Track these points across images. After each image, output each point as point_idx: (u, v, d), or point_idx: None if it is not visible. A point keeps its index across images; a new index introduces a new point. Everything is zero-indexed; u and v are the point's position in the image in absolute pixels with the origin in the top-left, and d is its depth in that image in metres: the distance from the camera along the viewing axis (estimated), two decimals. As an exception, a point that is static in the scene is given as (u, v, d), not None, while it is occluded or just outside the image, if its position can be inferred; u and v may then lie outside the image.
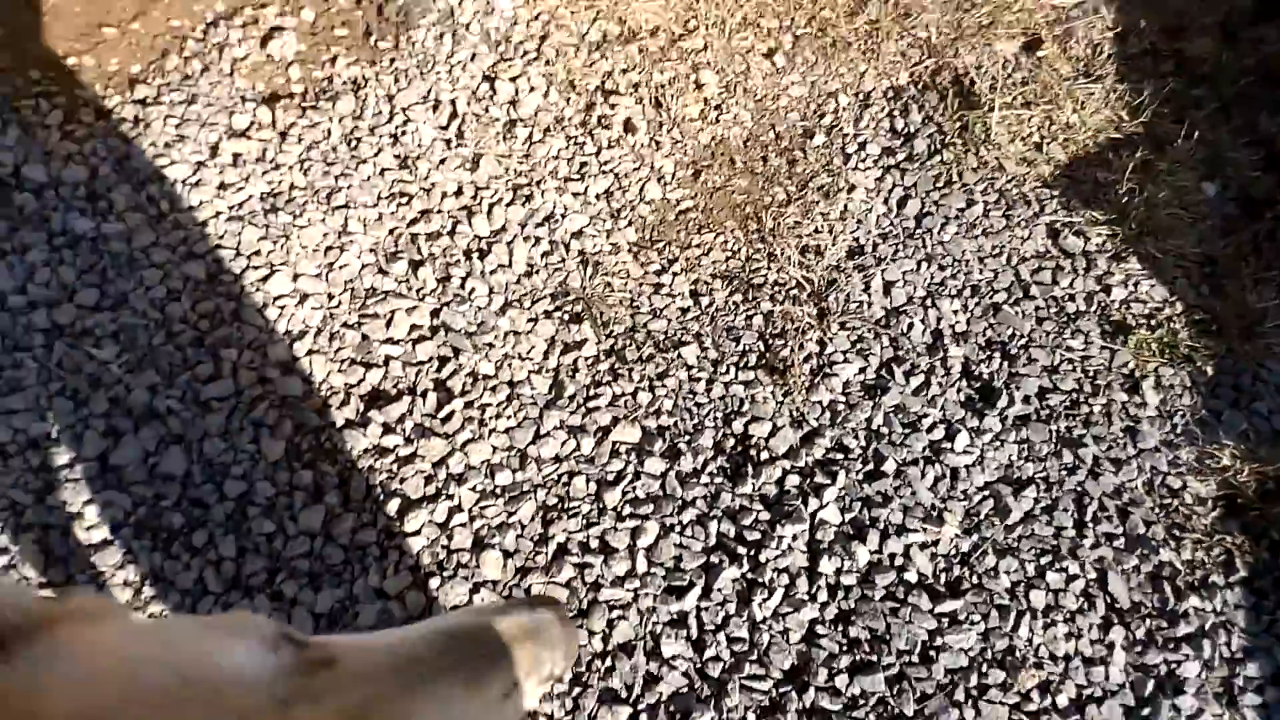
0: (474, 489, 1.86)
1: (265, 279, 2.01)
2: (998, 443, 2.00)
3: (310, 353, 1.95)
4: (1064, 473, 1.98)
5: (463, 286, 2.08)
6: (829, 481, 1.93)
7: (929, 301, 2.19)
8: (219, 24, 2.32)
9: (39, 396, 1.80)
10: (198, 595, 1.69)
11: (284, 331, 1.96)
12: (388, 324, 2.01)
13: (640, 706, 1.67)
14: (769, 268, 2.22)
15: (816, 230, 2.28)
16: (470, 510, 1.84)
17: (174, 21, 2.31)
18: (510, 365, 2.01)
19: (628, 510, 1.87)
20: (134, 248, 1.99)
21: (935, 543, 1.88)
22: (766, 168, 2.38)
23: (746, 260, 2.23)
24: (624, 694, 1.68)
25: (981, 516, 1.91)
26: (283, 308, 1.98)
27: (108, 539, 1.72)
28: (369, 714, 0.58)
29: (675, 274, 2.19)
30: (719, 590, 1.79)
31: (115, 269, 1.96)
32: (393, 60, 2.34)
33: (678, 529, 1.85)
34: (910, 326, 2.15)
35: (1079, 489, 1.96)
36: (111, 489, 1.75)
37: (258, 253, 2.03)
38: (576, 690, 1.67)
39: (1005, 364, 2.11)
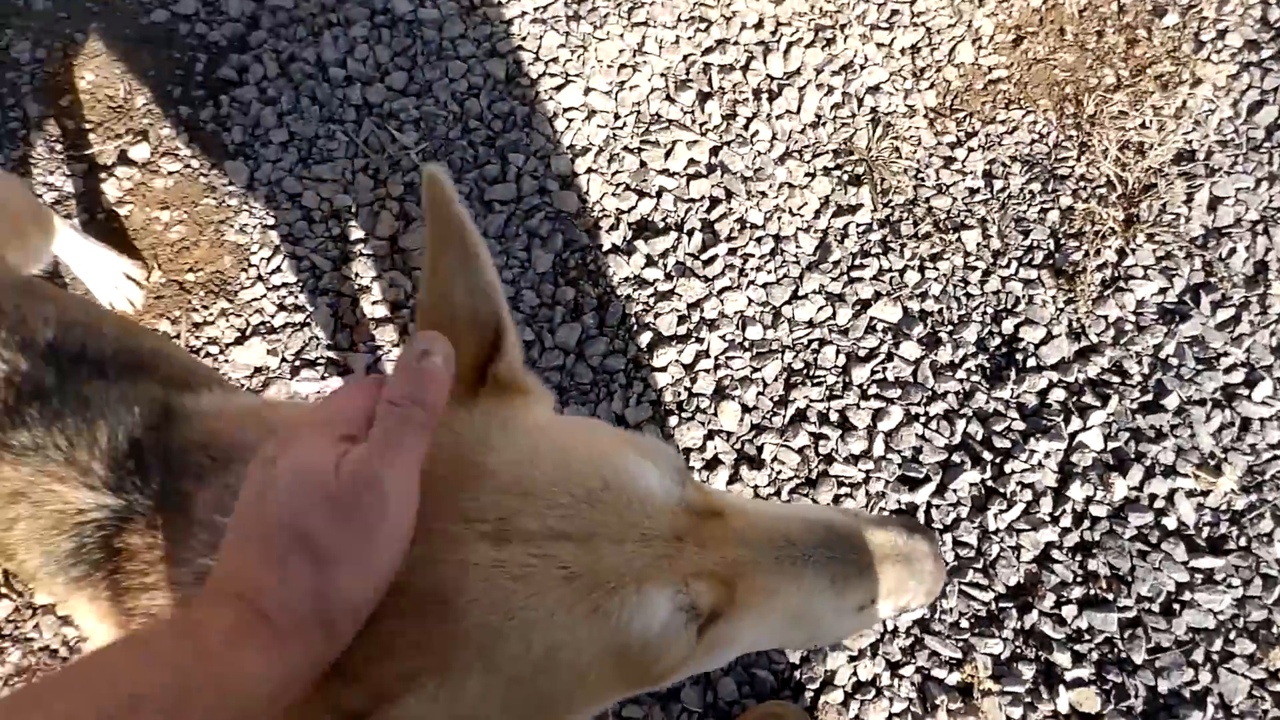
0: (724, 338, 1.85)
1: (559, 88, 2.01)
2: (1304, 401, 1.78)
3: (589, 171, 1.96)
4: (1376, 450, 1.74)
5: (746, 128, 2.01)
6: (1098, 404, 1.79)
7: (1261, 227, 1.92)
8: None
9: (345, 170, 1.92)
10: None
11: (568, 145, 1.97)
12: (667, 154, 1.98)
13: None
14: (1078, 159, 2.00)
15: (1144, 125, 2.02)
16: (716, 358, 1.84)
17: None
18: (780, 218, 1.95)
19: (874, 390, 1.81)
20: (444, 37, 2.03)
21: (1206, 493, 1.72)
22: (1100, 44, 2.10)
23: (1054, 146, 2.01)
24: (839, 566, 1.68)
25: (1266, 477, 1.73)
26: (570, 120, 1.99)
27: (388, 316, 1.85)
28: (741, 575, 0.60)
29: (971, 149, 2.01)
30: (954, 490, 1.73)
31: (425, 56, 2.01)
32: None
33: (923, 420, 1.79)
34: (1231, 252, 1.90)
35: (1390, 472, 1.72)
36: (397, 270, 1.87)
37: (555, 60, 2.03)
38: (794, 552, 1.69)
39: (1336, 316, 1.84)
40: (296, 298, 1.84)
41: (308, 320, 1.84)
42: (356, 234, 1.89)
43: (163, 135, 1.96)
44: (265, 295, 1.84)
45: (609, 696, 0.61)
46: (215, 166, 1.94)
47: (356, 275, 1.87)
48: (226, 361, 1.80)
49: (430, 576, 0.52)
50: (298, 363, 1.81)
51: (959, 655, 1.62)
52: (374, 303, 1.85)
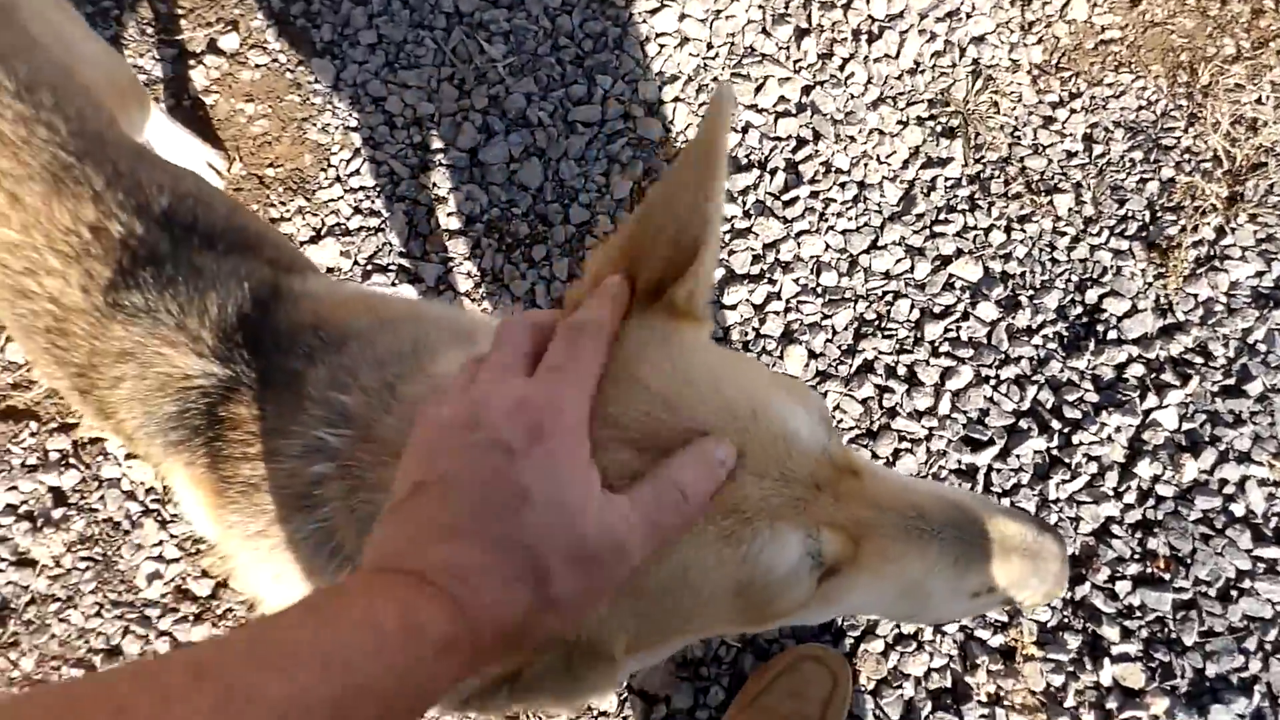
0: (797, 281, 1.82)
1: (653, 12, 1.96)
2: (1394, 402, 1.71)
3: (676, 100, 1.92)
4: None
5: (841, 69, 1.95)
6: (1177, 383, 1.74)
7: (1372, 219, 1.83)
8: None
9: (430, 78, 1.90)
10: (526, 304, 1.81)
11: (657, 72, 1.93)
12: (757, 89, 1.93)
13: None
14: (1186, 130, 1.91)
15: (1259, 100, 1.92)
16: (788, 301, 1.81)
17: None
18: (866, 165, 1.90)
19: (945, 348, 1.78)
20: (539, -50, 1.99)
21: (1278, 484, 1.67)
22: (1223, 12, 1.99)
23: (1162, 115, 1.93)
24: (892, 520, 1.67)
25: (1344, 475, 1.68)
26: (662, 46, 1.95)
27: (462, 229, 1.85)
28: (869, 536, 0.59)
29: (1073, 111, 1.94)
30: (1017, 456, 1.70)
31: (518, -32, 1.98)
32: None
33: (992, 382, 1.76)
34: (1337, 242, 1.82)
35: None
36: (474, 183, 1.86)
37: (651, -18, 1.98)
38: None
39: None
40: (373, 202, 1.84)
41: (382, 226, 1.85)
42: (437, 144, 1.88)
43: (252, 27, 1.96)
44: (342, 197, 1.84)
45: (719, 628, 0.61)
46: (302, 63, 1.93)
47: (434, 185, 1.86)
48: (301, 259, 1.82)
49: None
50: (369, 267, 1.81)
51: (1004, 619, 1.61)
52: (449, 214, 1.85)
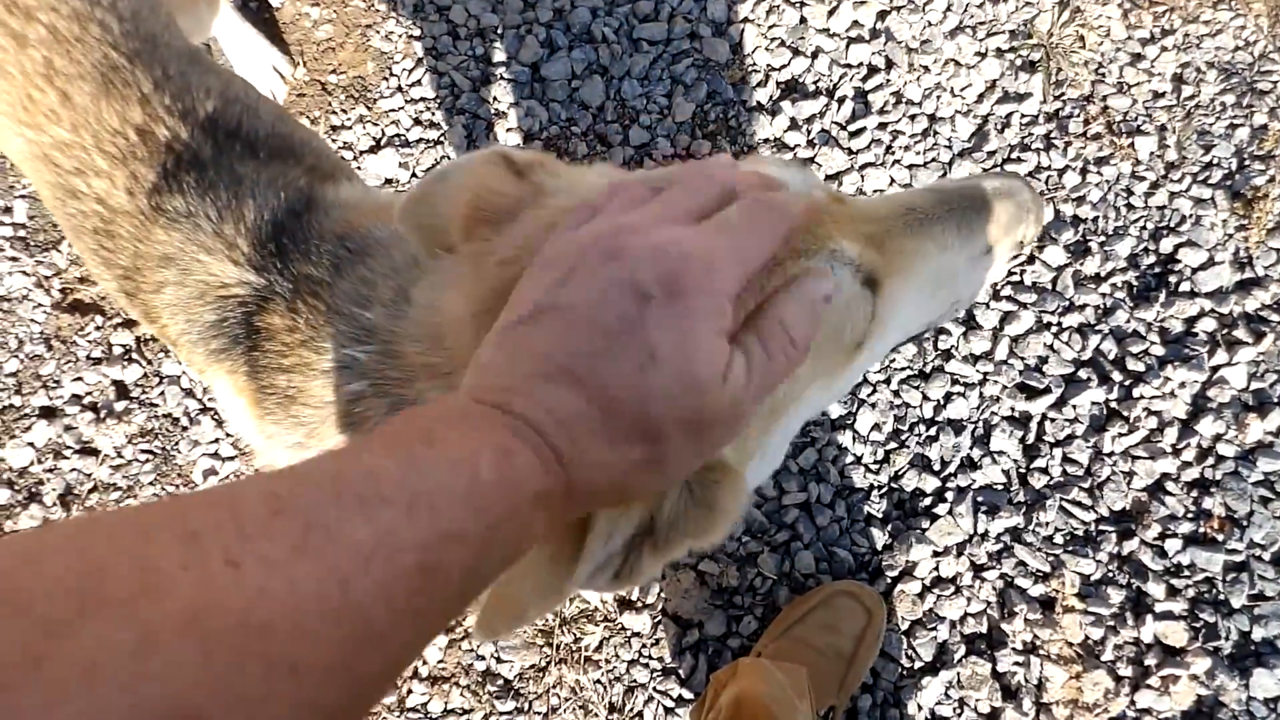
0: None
1: (726, -73, 1.89)
2: None
3: (745, 21, 1.86)
4: None
5: (920, -7, 1.87)
6: (1250, 340, 1.67)
7: None
8: None
9: (496, -11, 1.87)
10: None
11: (727, -11, 1.87)
12: (830, 12, 1.86)
13: (949, 485, 1.64)
14: (1285, 75, 1.80)
15: (1369, 45, 1.80)
16: (848, 233, 1.77)
17: None
18: (939, 97, 1.83)
19: (1007, 291, 1.73)
20: None
21: (1348, 452, 1.61)
22: (1340, -54, 1.86)
23: (1260, 57, 1.82)
24: (937, 466, 1.65)
25: None
26: (733, -37, 1.88)
27: (520, 145, 1.83)
28: (883, 241, 0.65)
29: (1164, 49, 1.84)
30: (1074, 406, 1.66)
31: (590, -124, 1.91)
32: None
33: (1054, 329, 1.71)
34: None
35: None
36: (535, 99, 1.83)
37: (726, -105, 1.90)
38: (892, 445, 1.66)
39: None
40: (433, 114, 1.83)
41: (441, 138, 1.83)
42: (499, 56, 1.85)
43: (320, -70, 1.93)
44: (403, 107, 1.83)
45: (812, 382, 0.62)
46: (368, -32, 1.90)
47: (494, 99, 1.84)
48: (359, 169, 1.82)
49: None
50: (428, 180, 1.81)
51: (1047, 569, 1.59)
52: (509, 130, 1.83)
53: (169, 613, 0.29)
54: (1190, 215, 1.74)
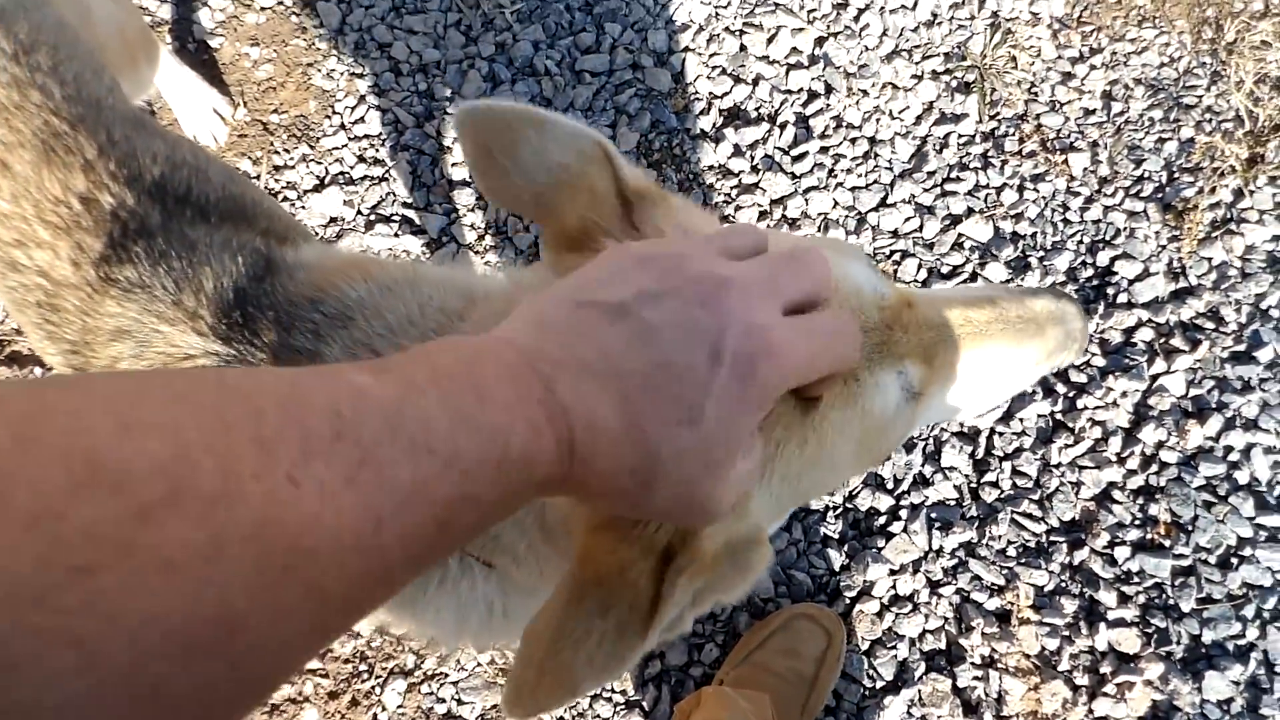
0: (806, 237, 1.80)
1: (664, -42, 1.92)
2: None
3: (686, 50, 1.88)
4: None
5: (856, 20, 1.90)
6: (1186, 348, 1.71)
7: (1396, 184, 1.79)
8: None
9: (437, 24, 1.87)
10: (531, 256, 1.79)
11: (667, 20, 1.89)
12: (769, 40, 1.89)
13: (903, 502, 1.66)
14: (1209, 89, 1.86)
15: (1287, 59, 1.87)
16: (795, 256, 1.79)
17: None
18: (878, 120, 1.86)
19: (954, 308, 1.75)
20: (549, -108, 1.94)
21: (1285, 454, 1.66)
22: (1254, -36, 1.93)
23: (1184, 73, 1.88)
24: (890, 484, 1.67)
25: (1352, 445, 1.66)
26: (672, -6, 1.90)
27: (466, 180, 1.83)
28: (937, 352, 0.67)
29: (1093, 67, 1.89)
30: (1021, 420, 1.69)
31: (527, -89, 1.93)
32: None
33: (999, 344, 1.73)
34: (1358, 207, 1.78)
35: None
36: (481, 133, 1.83)
37: (662, -72, 1.93)
38: (848, 460, 1.68)
39: None
40: (377, 151, 1.82)
41: (386, 175, 1.83)
42: (442, 91, 1.85)
43: (257, -31, 1.93)
44: (346, 145, 1.82)
45: (844, 479, 0.68)
46: (308, 7, 1.90)
47: (439, 134, 1.84)
48: (303, 208, 1.80)
49: None
50: (373, 217, 1.80)
51: (1001, 582, 1.61)
52: (454, 164, 1.83)
53: (239, 521, 0.31)
54: (1125, 228, 1.79)
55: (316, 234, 1.78)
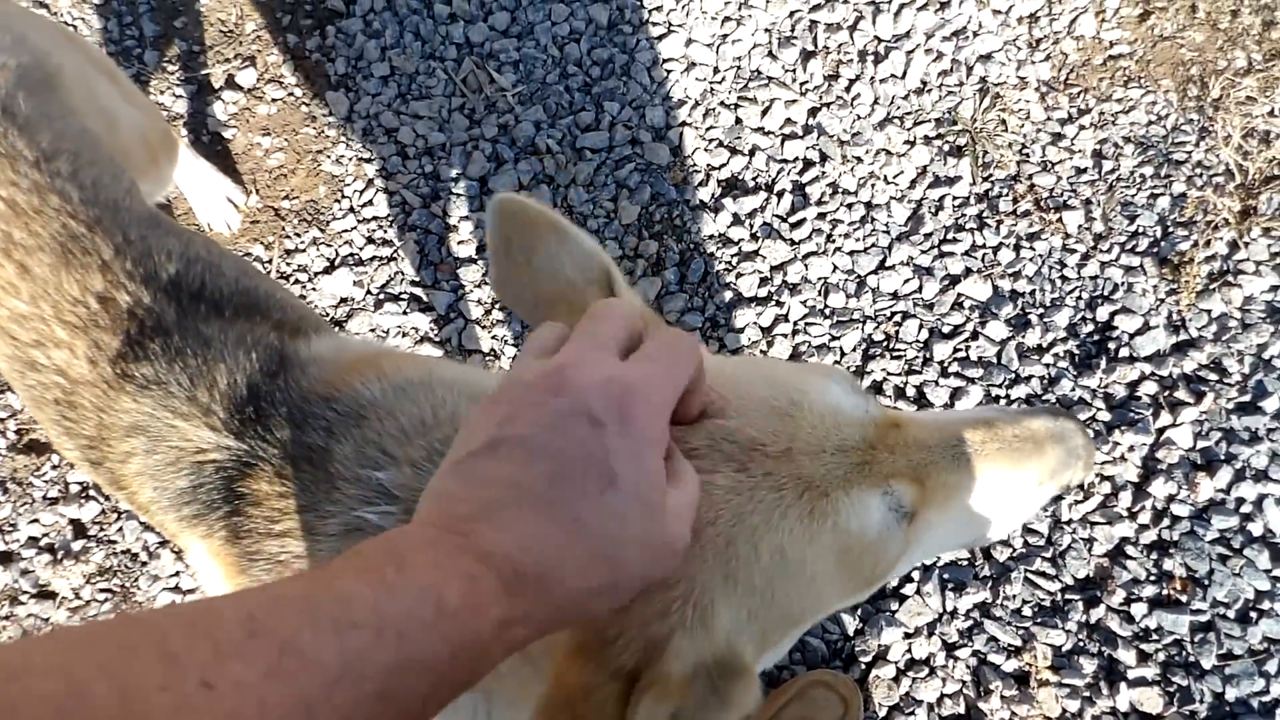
0: (804, 303, 1.83)
1: (660, 38, 1.98)
2: None
3: (683, 124, 1.94)
4: None
5: (848, 90, 1.96)
6: (1191, 401, 1.72)
7: (1389, 231, 1.81)
8: None
9: (442, 109, 1.94)
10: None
11: (664, 97, 1.95)
12: (763, 112, 1.94)
13: (916, 565, 1.65)
14: (1197, 145, 1.90)
15: (1272, 113, 1.90)
16: (796, 323, 1.82)
17: None
18: (873, 186, 1.90)
19: (955, 368, 1.77)
20: (558, -21, 2.02)
21: (1298, 504, 1.65)
22: (1233, 25, 1.98)
23: (1172, 130, 1.92)
24: (903, 542, 1.66)
25: (1365, 493, 1.65)
26: (669, 71, 1.97)
27: (473, 257, 1.87)
28: (927, 475, 0.66)
29: (1082, 127, 1.93)
30: (1030, 476, 1.69)
31: (528, -1, 2.01)
32: None
33: (1003, 402, 1.75)
34: (1354, 255, 1.80)
35: None
36: (485, 211, 1.88)
37: (659, 8, 2.00)
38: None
39: None
40: (385, 232, 1.87)
41: (395, 255, 1.88)
42: (448, 172, 1.91)
43: (269, 62, 2.00)
44: (356, 227, 1.87)
45: (835, 602, 0.64)
46: (317, 96, 1.97)
47: (445, 214, 1.89)
48: (314, 290, 1.85)
49: None
50: (382, 296, 1.84)
51: (1018, 643, 1.60)
52: (460, 242, 1.88)
53: None
54: (1122, 283, 1.81)
55: (327, 315, 1.83)
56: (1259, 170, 1.87)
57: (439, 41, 1.98)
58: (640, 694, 0.52)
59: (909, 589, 1.63)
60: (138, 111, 1.35)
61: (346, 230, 1.87)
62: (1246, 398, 1.72)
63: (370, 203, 1.88)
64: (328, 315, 1.83)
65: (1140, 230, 1.85)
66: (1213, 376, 1.74)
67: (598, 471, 0.45)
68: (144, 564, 1.68)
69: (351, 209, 1.88)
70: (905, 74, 1.97)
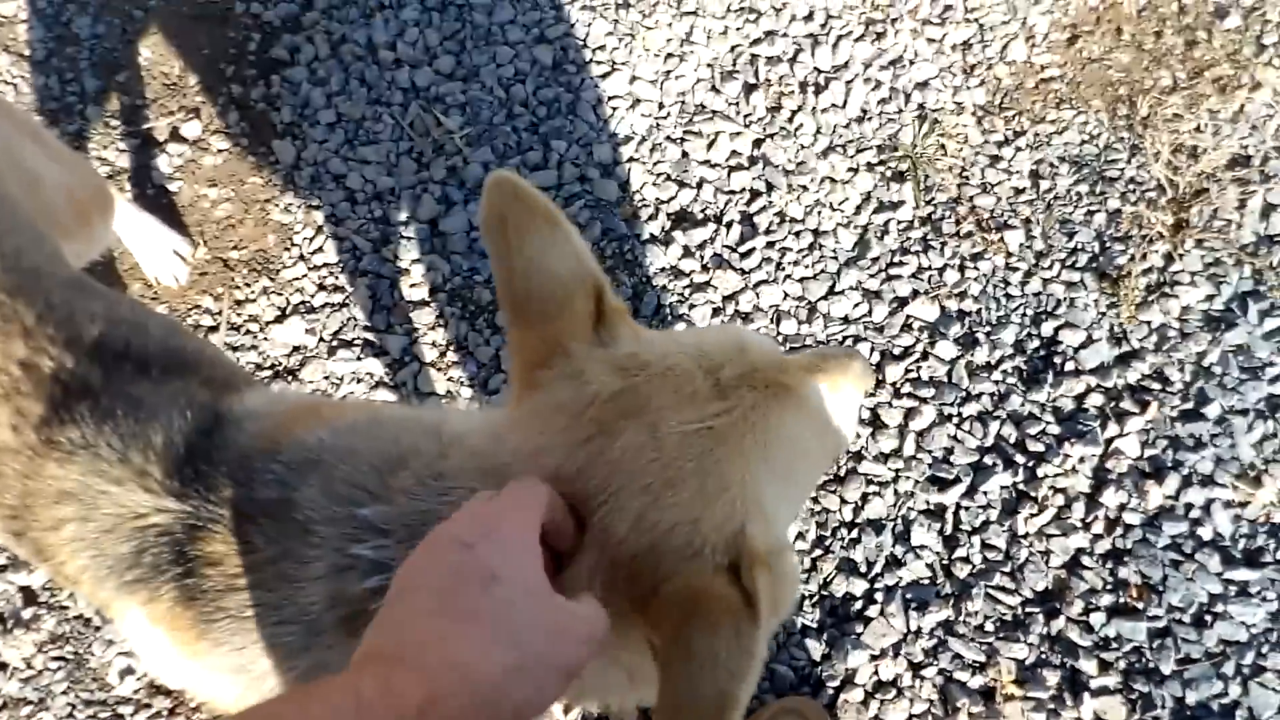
0: (758, 331, 1.85)
1: (605, 76, 2.01)
2: (1352, 417, 1.74)
3: (631, 160, 1.96)
4: None
5: (790, 121, 2.00)
6: (1136, 410, 1.76)
7: (1315, 237, 1.87)
8: None
9: (390, 153, 1.94)
10: (492, 370, 1.82)
11: (611, 134, 1.98)
12: (709, 145, 1.98)
13: (877, 585, 1.67)
14: (1129, 161, 1.96)
15: (1198, 129, 1.97)
16: (751, 349, 1.84)
17: None
18: (820, 213, 1.94)
19: (907, 389, 1.80)
20: (493, 22, 2.04)
21: (1244, 505, 1.69)
22: (1158, 45, 2.05)
23: (1105, 148, 1.98)
24: (863, 569, 1.68)
25: (1308, 492, 1.69)
26: (615, 109, 1.99)
27: (425, 299, 1.87)
28: (826, 373, 0.80)
29: (1018, 149, 1.99)
30: (984, 493, 1.72)
31: (474, 41, 2.03)
32: None
33: (956, 420, 1.78)
34: (1282, 261, 1.86)
35: None
36: (436, 254, 1.89)
37: (602, 47, 2.03)
38: (817, 552, 1.69)
39: (1390, 330, 1.79)
40: (337, 278, 1.87)
41: (346, 301, 1.87)
42: (398, 216, 1.91)
43: (214, 113, 2.00)
44: (306, 275, 1.87)
45: (821, 467, 0.79)
46: (263, 146, 1.97)
47: (396, 258, 1.89)
48: (266, 339, 1.84)
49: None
50: (335, 343, 1.84)
51: (983, 659, 1.61)
52: (412, 285, 1.88)
53: None
54: (1065, 299, 1.86)
55: (280, 364, 1.81)
56: (1189, 184, 1.93)
57: (385, 87, 1.99)
58: (749, 571, 0.61)
59: (873, 610, 1.64)
60: (65, 169, 1.34)
61: (297, 278, 1.86)
62: (1189, 405, 1.77)
63: (320, 249, 1.88)
64: (281, 364, 1.82)
65: (1079, 246, 1.90)
66: (1156, 386, 1.78)
67: (479, 575, 0.52)
68: (97, 629, 1.64)
69: (302, 256, 1.88)
70: (846, 103, 2.02)
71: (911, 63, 2.04)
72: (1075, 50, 2.06)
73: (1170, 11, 2.07)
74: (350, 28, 2.03)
